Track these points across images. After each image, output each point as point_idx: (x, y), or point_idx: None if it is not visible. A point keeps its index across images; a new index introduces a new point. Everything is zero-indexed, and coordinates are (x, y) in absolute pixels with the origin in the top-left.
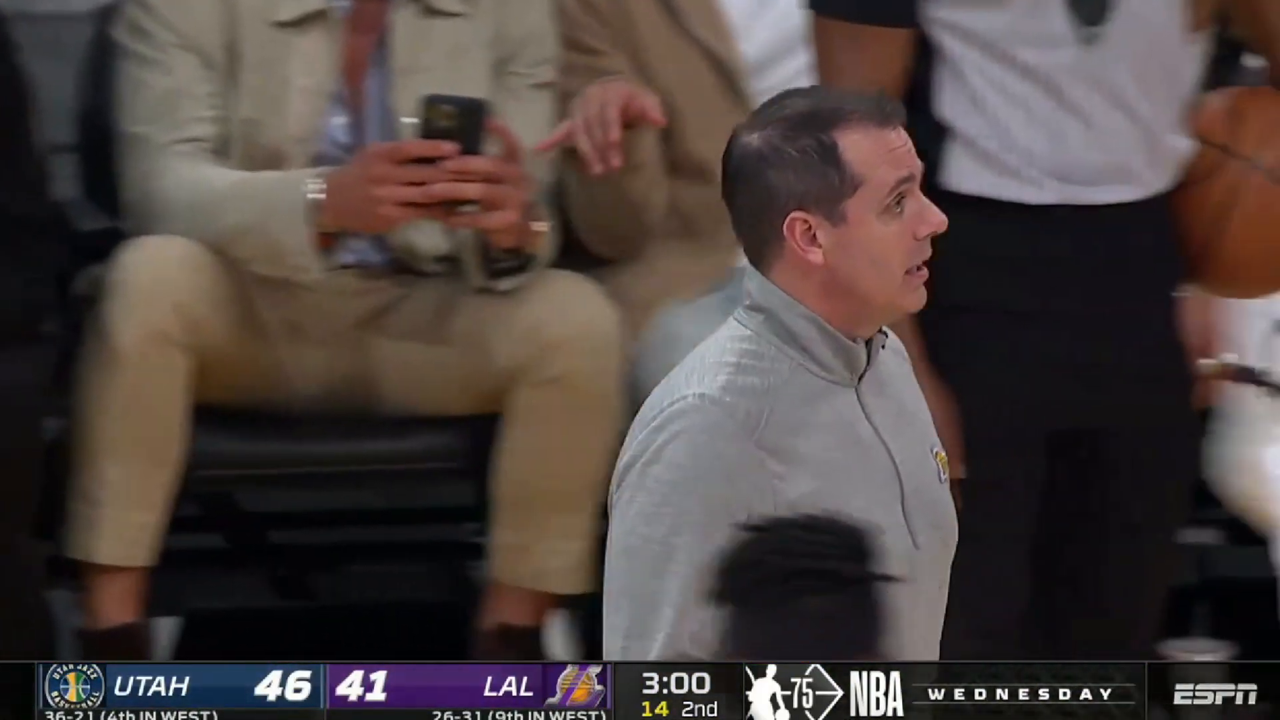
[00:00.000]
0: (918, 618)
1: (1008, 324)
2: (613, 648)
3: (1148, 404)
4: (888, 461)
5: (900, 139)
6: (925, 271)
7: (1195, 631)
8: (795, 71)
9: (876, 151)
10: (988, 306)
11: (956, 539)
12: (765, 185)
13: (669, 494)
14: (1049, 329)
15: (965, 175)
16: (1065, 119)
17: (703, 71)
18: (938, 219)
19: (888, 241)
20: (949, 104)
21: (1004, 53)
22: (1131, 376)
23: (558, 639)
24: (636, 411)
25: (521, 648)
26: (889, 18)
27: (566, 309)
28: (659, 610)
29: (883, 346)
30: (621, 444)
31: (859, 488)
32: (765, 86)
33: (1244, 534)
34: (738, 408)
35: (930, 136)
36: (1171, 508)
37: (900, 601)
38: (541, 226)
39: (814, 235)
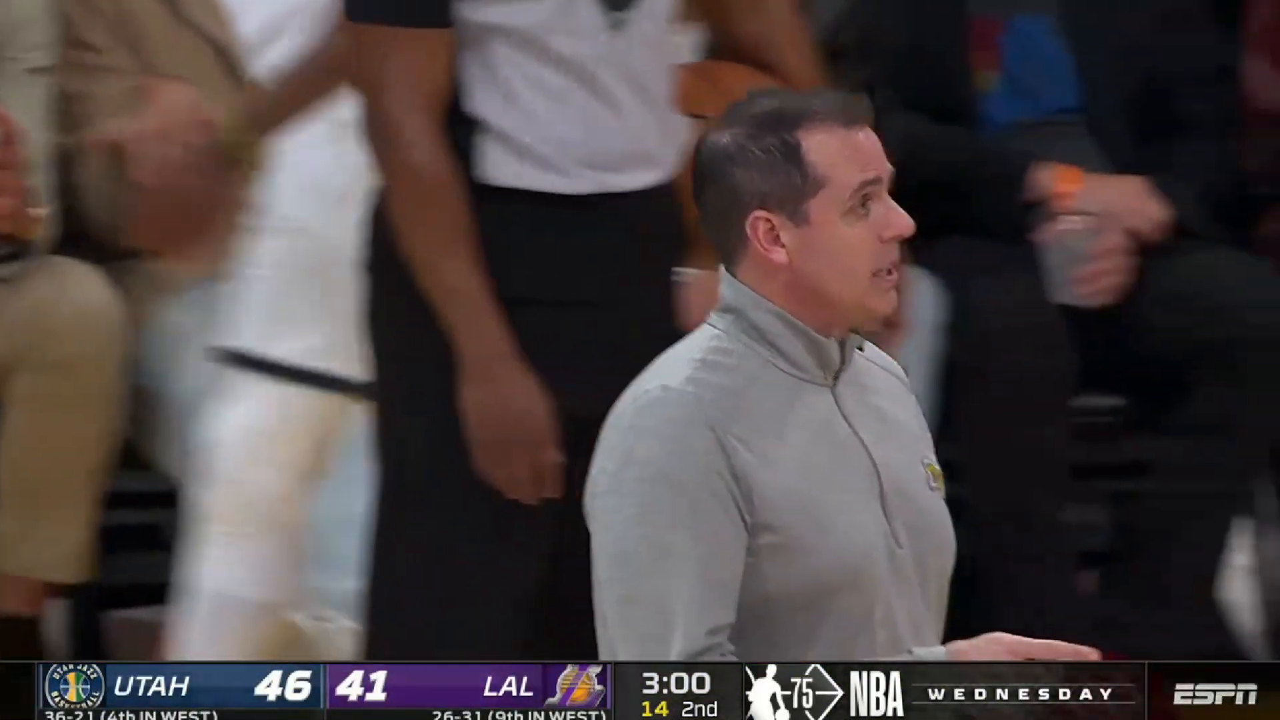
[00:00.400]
0: (900, 617)
1: (551, 315)
2: (626, 650)
3: None
4: (866, 460)
5: (868, 140)
6: (896, 274)
7: None
8: (291, 50)
9: (841, 152)
10: (531, 299)
11: (953, 549)
12: (730, 184)
13: (650, 492)
14: (591, 318)
15: (501, 169)
16: (597, 108)
17: (205, 58)
18: (904, 222)
19: (852, 243)
20: (482, 100)
21: (539, 45)
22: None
23: (54, 628)
24: (138, 398)
25: (18, 637)
26: (428, 19)
27: (68, 294)
28: (670, 610)
29: (859, 349)
30: (119, 430)
31: (835, 483)
32: (264, 65)
33: None
34: (703, 398)
35: (465, 132)
36: None
37: (885, 599)
38: (40, 212)
39: (777, 235)
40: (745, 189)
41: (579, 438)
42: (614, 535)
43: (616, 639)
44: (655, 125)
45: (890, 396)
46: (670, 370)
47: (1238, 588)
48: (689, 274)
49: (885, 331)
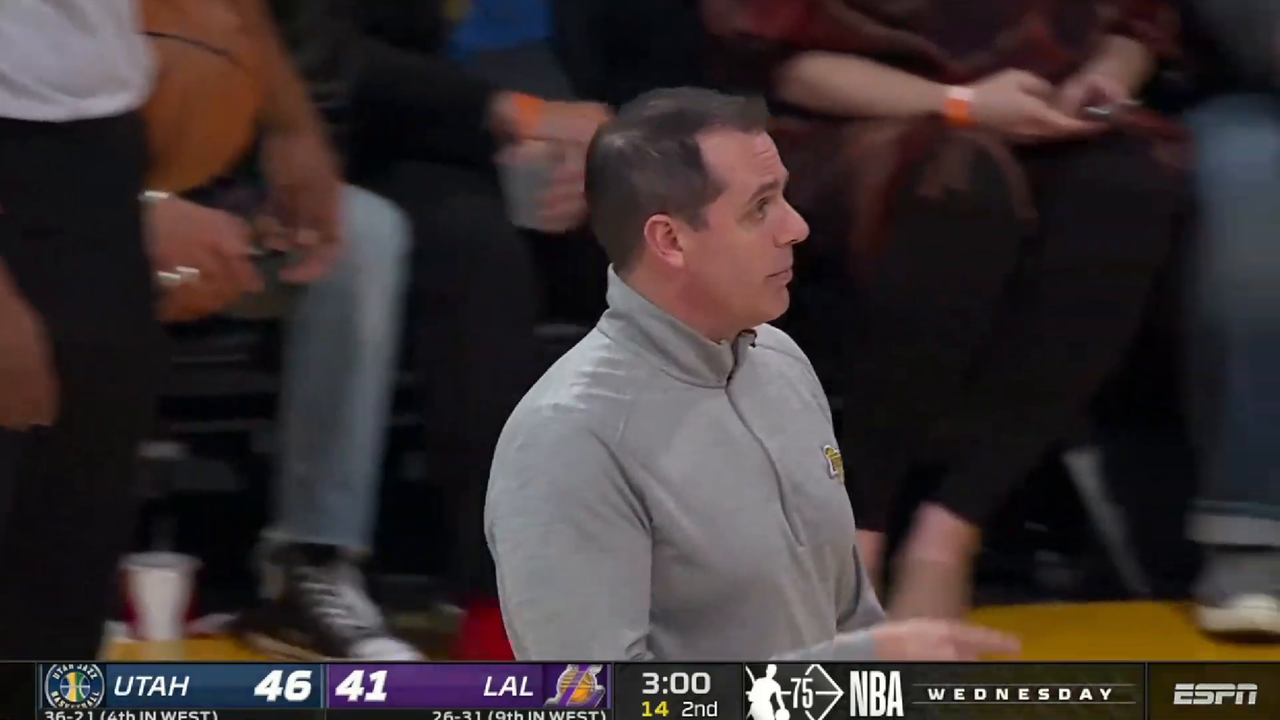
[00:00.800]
0: (803, 611)
1: (31, 244)
2: None
3: (125, 321)
4: (763, 458)
5: (765, 144)
6: (788, 276)
7: (158, 545)
8: None
9: (740, 156)
10: (11, 227)
11: (852, 534)
12: (627, 187)
13: (554, 510)
14: (69, 245)
15: None
16: (72, 31)
17: None
18: (799, 226)
19: (750, 247)
20: None
21: None
22: (105, 299)
23: None
24: None
25: None
26: None
27: None
28: (586, 627)
29: (752, 345)
30: None
31: (733, 489)
32: None
33: (206, 448)
34: (593, 414)
35: None
36: (138, 423)
37: (789, 597)
38: None
39: (674, 239)
40: (643, 192)
41: (56, 364)
42: (524, 555)
43: (543, 654)
44: (125, 47)
45: (786, 381)
46: (561, 387)
47: None
48: (154, 197)
49: (322, 248)
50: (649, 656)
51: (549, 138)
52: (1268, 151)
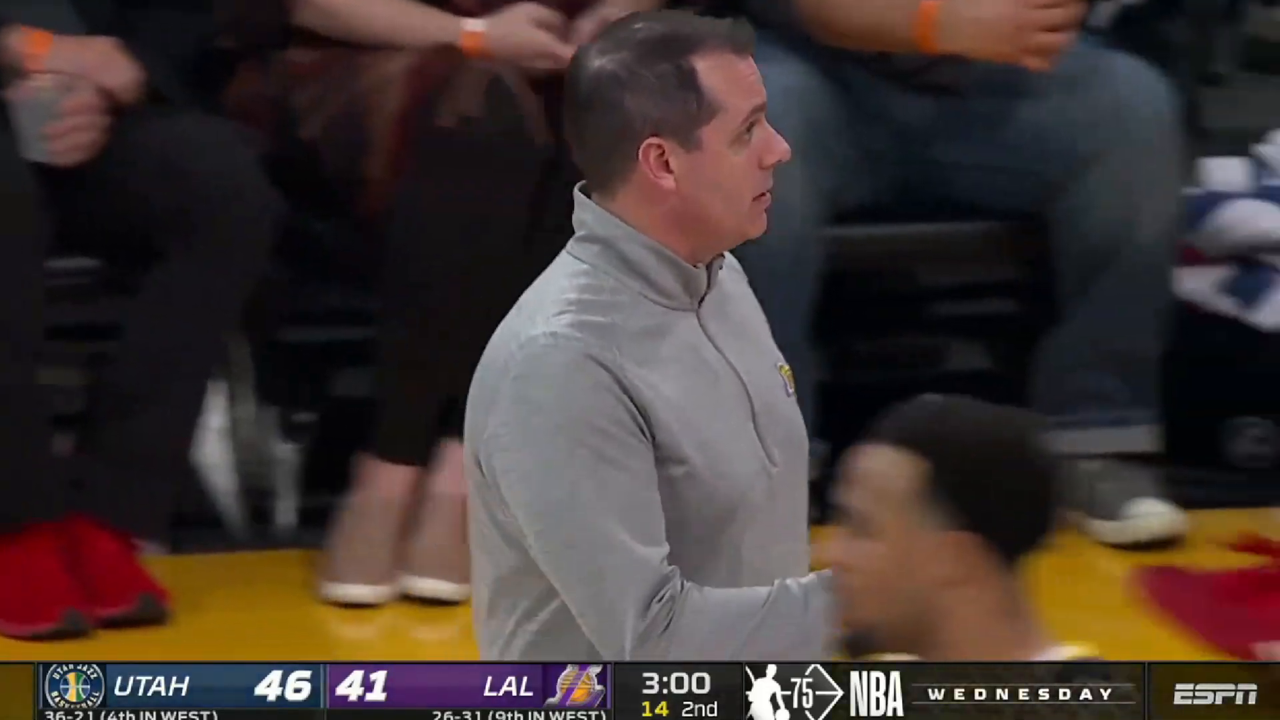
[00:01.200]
0: (779, 532)
1: None
2: (577, 597)
3: None
4: (736, 382)
5: (751, 68)
6: (768, 198)
7: None
8: None
9: (732, 79)
10: None
11: (807, 450)
12: (620, 110)
13: (564, 437)
14: None
15: None
16: None
17: None
18: (783, 147)
19: (738, 169)
20: None
21: None
22: None
23: None
24: None
25: None
26: None
27: None
28: (615, 546)
29: (720, 268)
30: None
31: (713, 412)
32: None
33: None
34: (589, 341)
35: None
36: None
37: (763, 520)
38: None
39: (666, 161)
40: (636, 115)
41: None
42: (538, 485)
43: (565, 583)
44: None
45: (742, 298)
46: (549, 315)
47: (212, 449)
48: None
49: None
50: (678, 575)
51: (58, 71)
52: (779, 85)
